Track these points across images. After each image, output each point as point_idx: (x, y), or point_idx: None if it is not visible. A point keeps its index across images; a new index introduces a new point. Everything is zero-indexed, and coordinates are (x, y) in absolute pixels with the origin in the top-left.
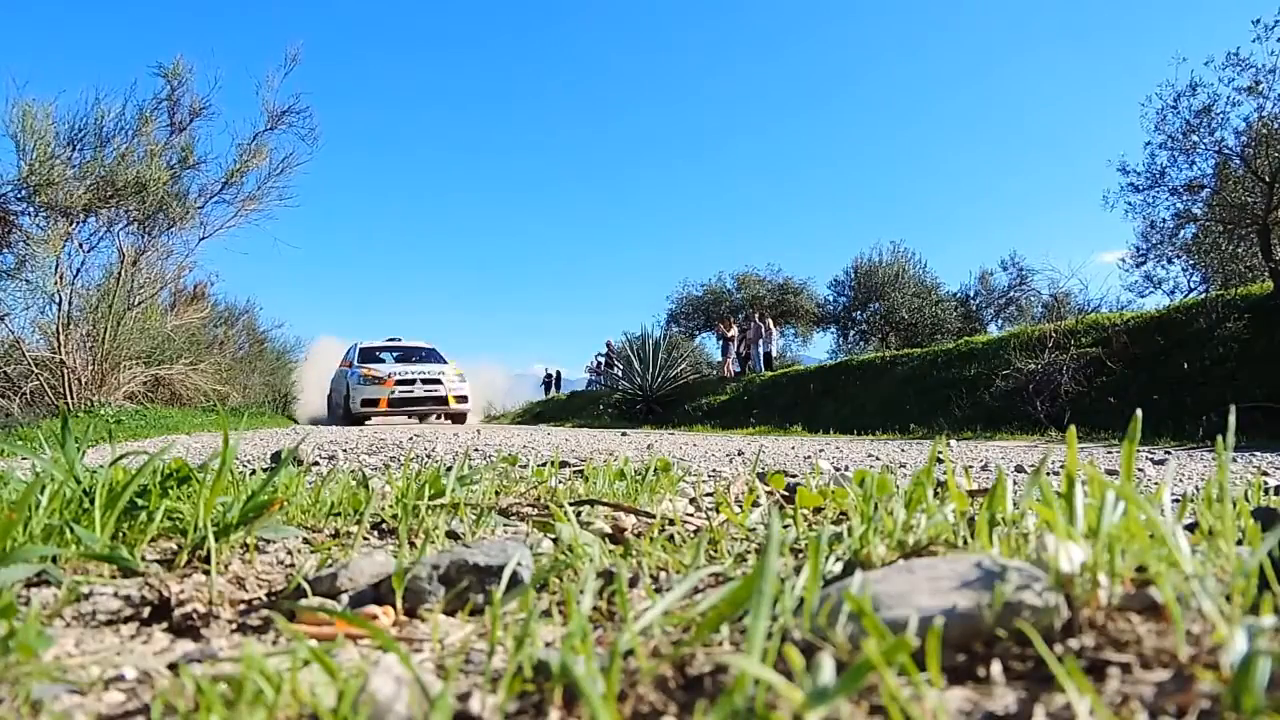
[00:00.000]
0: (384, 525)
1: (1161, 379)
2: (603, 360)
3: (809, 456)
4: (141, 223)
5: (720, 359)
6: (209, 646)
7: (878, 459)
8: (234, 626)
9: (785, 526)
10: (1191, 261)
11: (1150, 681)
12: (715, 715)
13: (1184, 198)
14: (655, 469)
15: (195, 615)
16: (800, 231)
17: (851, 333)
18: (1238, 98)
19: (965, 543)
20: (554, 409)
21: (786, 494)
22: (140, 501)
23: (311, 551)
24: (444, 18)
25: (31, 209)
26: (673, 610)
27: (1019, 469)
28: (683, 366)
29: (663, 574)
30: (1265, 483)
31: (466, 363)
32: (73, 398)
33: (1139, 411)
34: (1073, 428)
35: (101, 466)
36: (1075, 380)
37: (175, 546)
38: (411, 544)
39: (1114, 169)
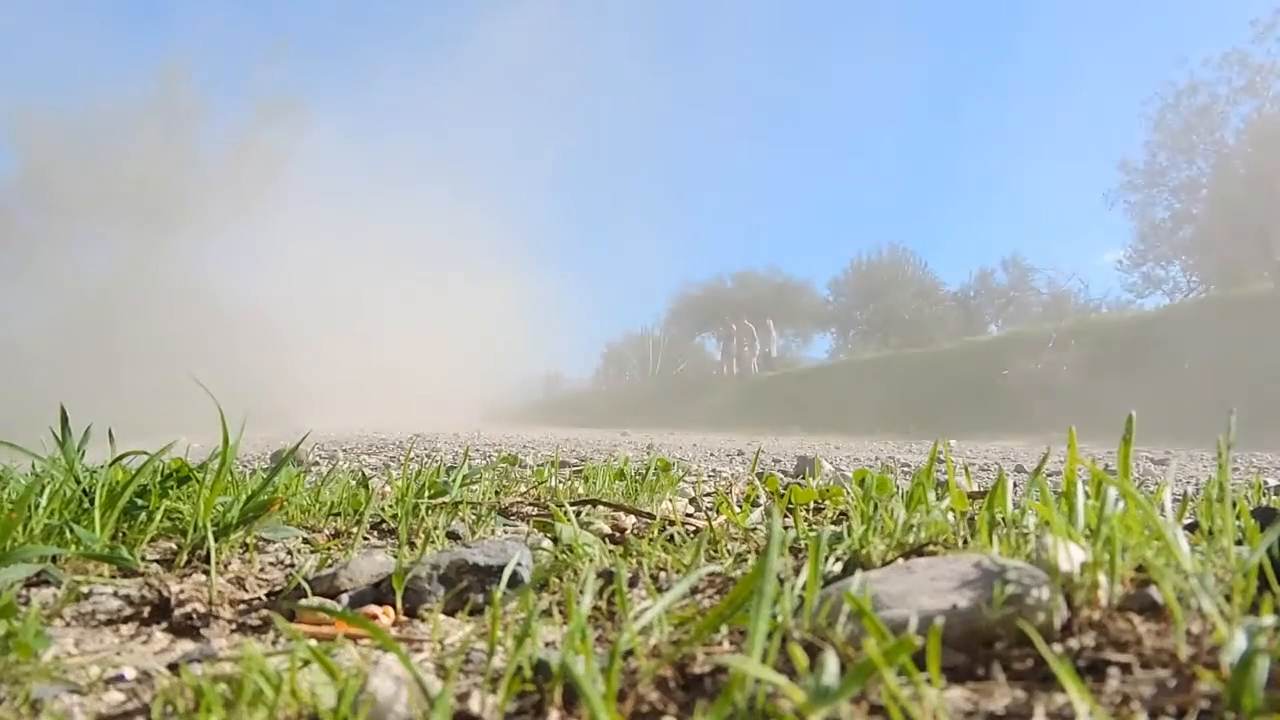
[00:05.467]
0: (384, 525)
1: (1161, 379)
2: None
3: (809, 456)
4: (141, 223)
5: (720, 359)
6: (209, 646)
7: (877, 459)
8: (234, 626)
9: (785, 527)
10: (1191, 261)
11: (1150, 681)
12: (714, 715)
13: (1183, 197)
14: (655, 469)
15: (195, 615)
16: (800, 231)
17: (851, 333)
18: (1236, 97)
19: (965, 543)
20: (555, 408)
21: (785, 493)
22: (140, 501)
23: (311, 551)
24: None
25: (31, 209)
26: (672, 610)
27: (1019, 469)
28: (683, 366)
29: (663, 574)
30: (1265, 482)
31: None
32: (73, 397)
33: (1133, 412)
34: (1073, 428)
35: (101, 466)
36: (1075, 380)
37: (175, 546)
38: (411, 544)
39: (1114, 167)
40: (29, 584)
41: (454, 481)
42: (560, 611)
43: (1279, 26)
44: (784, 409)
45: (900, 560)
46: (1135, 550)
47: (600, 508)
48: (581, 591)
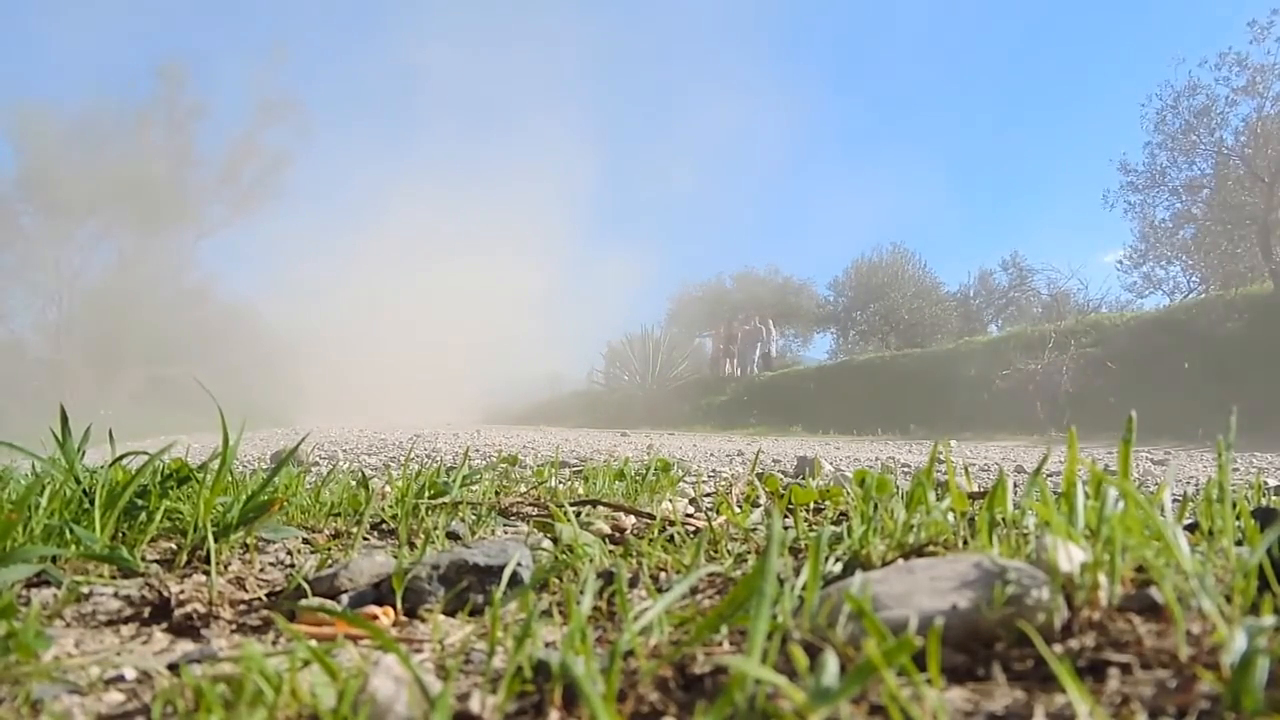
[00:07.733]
0: (384, 525)
1: (1161, 379)
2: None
3: (809, 456)
4: (141, 223)
5: (719, 359)
6: (209, 646)
7: (878, 459)
8: (234, 626)
9: (785, 527)
10: (1191, 261)
11: (1150, 681)
12: (714, 716)
13: (1183, 198)
14: (655, 469)
15: (195, 615)
16: (800, 231)
17: (851, 333)
18: (1235, 98)
19: (965, 543)
20: (555, 409)
21: (785, 493)
22: (140, 502)
23: (311, 551)
24: None
25: (31, 209)
26: (673, 610)
27: (1019, 469)
28: (683, 367)
29: (663, 574)
30: (1265, 483)
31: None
32: (73, 397)
33: (1134, 412)
34: (1073, 428)
35: (102, 466)
36: (1075, 380)
37: (175, 546)
38: (411, 544)
39: (1114, 168)
40: (29, 584)
41: (454, 482)
42: (560, 612)
43: (1277, 27)
44: (784, 409)
45: (900, 561)
46: (1135, 550)
47: (600, 508)
48: (581, 592)
